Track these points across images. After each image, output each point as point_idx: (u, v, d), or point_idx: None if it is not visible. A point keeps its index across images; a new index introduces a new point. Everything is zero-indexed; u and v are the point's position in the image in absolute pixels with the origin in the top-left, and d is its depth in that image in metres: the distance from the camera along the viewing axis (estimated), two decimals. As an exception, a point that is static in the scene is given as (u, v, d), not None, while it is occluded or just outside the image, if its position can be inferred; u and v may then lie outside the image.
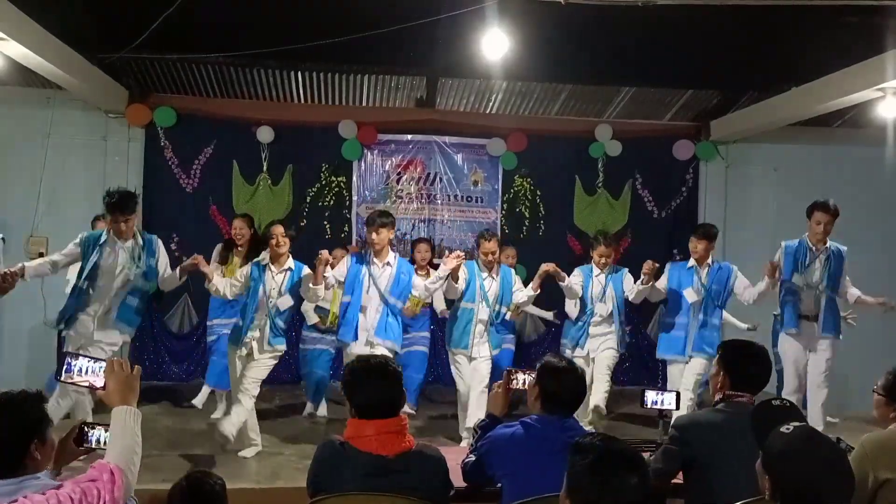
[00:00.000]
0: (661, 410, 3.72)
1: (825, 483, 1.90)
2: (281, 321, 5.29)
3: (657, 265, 5.83)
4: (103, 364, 2.32)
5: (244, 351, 5.22)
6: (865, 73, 6.05)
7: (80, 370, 2.33)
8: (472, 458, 2.98)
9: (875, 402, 2.94)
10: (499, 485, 2.86)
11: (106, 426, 2.41)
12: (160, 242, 5.30)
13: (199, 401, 6.55)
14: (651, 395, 3.72)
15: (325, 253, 5.25)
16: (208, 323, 6.62)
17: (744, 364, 2.99)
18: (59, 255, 5.13)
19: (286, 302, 5.25)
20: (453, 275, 5.51)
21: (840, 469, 1.94)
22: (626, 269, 6.07)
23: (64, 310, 5.13)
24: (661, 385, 7.80)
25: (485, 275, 5.78)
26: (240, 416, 5.13)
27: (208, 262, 6.06)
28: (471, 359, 5.75)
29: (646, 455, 3.13)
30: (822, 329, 5.62)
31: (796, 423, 2.04)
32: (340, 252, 6.87)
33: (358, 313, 5.43)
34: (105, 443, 2.36)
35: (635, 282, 5.92)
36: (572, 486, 1.89)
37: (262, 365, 5.25)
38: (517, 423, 2.91)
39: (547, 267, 5.70)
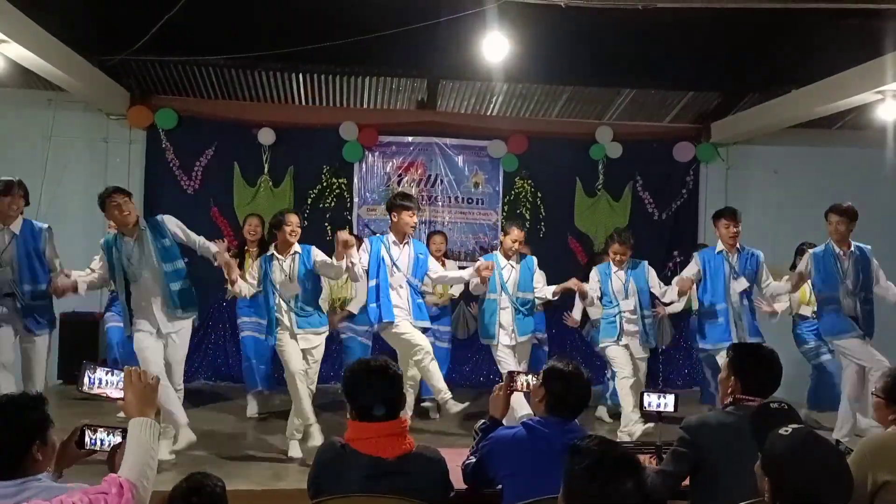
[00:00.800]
0: (659, 413, 3.73)
1: (824, 485, 1.91)
2: (304, 304, 5.27)
3: (692, 283, 5.83)
4: (121, 375, 2.31)
5: (286, 332, 5.25)
6: (865, 76, 6.06)
7: (99, 382, 2.32)
8: (473, 459, 2.98)
9: (874, 404, 2.94)
10: (499, 486, 2.86)
11: (108, 428, 2.41)
12: (167, 219, 5.19)
13: (251, 411, 6.55)
14: (650, 398, 3.72)
15: (343, 234, 5.23)
16: (238, 321, 6.67)
17: (754, 368, 2.97)
18: (98, 270, 5.19)
19: (294, 288, 5.24)
20: (481, 281, 5.67)
21: (839, 471, 1.95)
22: (646, 262, 6.03)
23: (122, 315, 5.28)
24: (661, 387, 7.82)
25: (503, 263, 5.85)
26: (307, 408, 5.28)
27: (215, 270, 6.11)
28: (507, 347, 5.79)
29: (644, 458, 3.15)
30: (864, 331, 5.53)
31: (795, 426, 2.05)
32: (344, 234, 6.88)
33: (389, 293, 5.49)
34: (108, 445, 2.37)
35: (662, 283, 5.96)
36: (569, 490, 1.90)
37: (315, 358, 5.35)
38: (519, 425, 2.91)
39: (574, 286, 5.80)
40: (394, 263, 5.53)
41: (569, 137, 8.45)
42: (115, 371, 2.35)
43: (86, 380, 2.32)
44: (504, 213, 8.41)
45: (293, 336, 5.24)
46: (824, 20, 6.03)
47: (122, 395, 2.29)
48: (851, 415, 5.54)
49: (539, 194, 8.45)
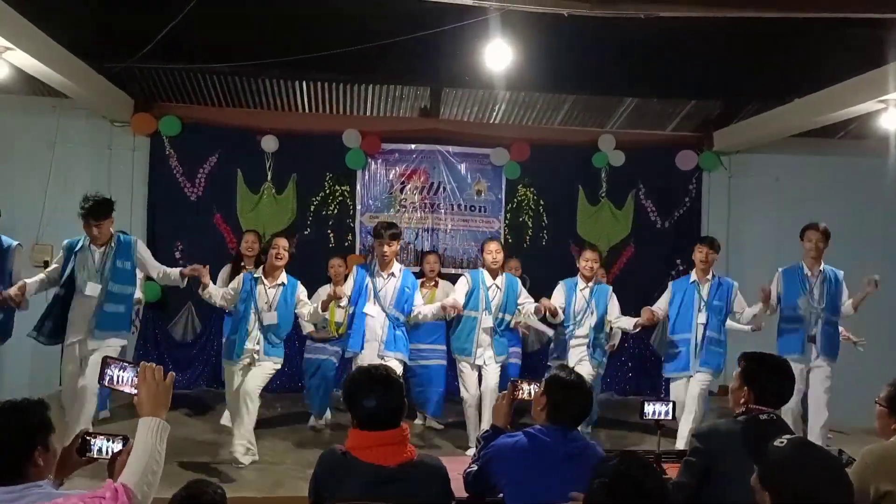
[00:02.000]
0: (657, 421, 3.77)
1: (824, 489, 1.91)
2: (274, 335, 5.34)
3: (657, 317, 5.85)
4: (135, 371, 2.28)
5: (244, 362, 5.27)
6: (867, 85, 6.06)
7: (113, 378, 2.31)
8: (475, 467, 2.98)
9: (877, 413, 2.93)
10: (500, 495, 2.86)
11: (108, 436, 2.40)
12: (139, 244, 5.32)
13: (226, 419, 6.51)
14: (650, 407, 3.78)
15: (341, 290, 5.47)
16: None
17: (768, 377, 2.93)
18: (52, 268, 5.23)
19: (271, 318, 5.30)
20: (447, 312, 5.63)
21: (838, 477, 1.96)
22: (611, 289, 6.05)
23: (40, 318, 5.16)
24: (663, 395, 7.81)
25: (489, 283, 5.85)
26: (249, 426, 5.27)
27: (215, 279, 6.15)
28: (475, 367, 5.81)
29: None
30: (820, 351, 5.67)
31: (788, 436, 2.06)
32: (338, 261, 6.86)
33: (364, 323, 5.49)
34: (108, 453, 2.35)
35: (623, 313, 6.00)
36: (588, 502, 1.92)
37: (263, 371, 5.32)
38: (520, 433, 2.91)
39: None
40: (375, 294, 5.54)
41: (571, 145, 8.45)
42: (129, 367, 2.32)
43: (105, 375, 2.31)
44: (506, 221, 8.42)
45: (250, 364, 5.28)
46: (827, 29, 6.04)
47: (134, 392, 2.26)
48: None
49: (541, 202, 8.46)
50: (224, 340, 5.56)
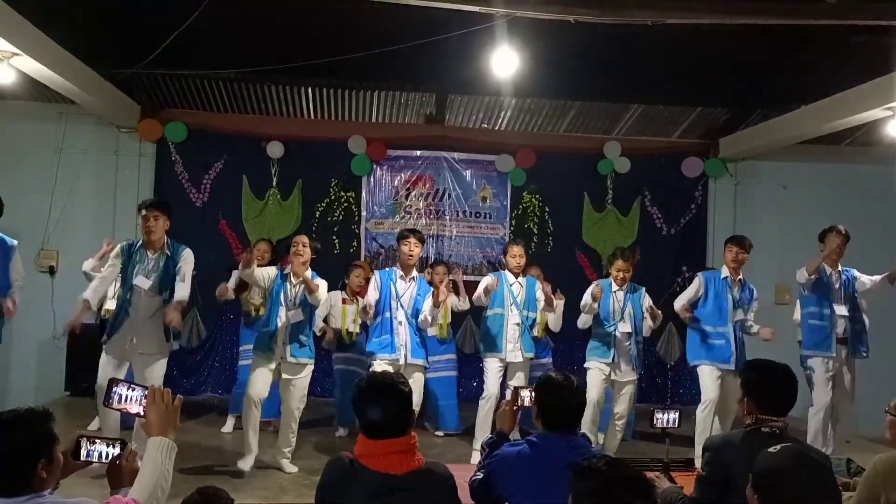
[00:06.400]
0: (663, 429, 3.76)
1: (812, 497, 1.91)
2: (301, 334, 5.30)
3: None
4: (143, 391, 2.29)
5: (275, 360, 5.24)
6: (874, 93, 6.05)
7: (121, 398, 2.31)
8: (480, 475, 2.96)
9: (888, 422, 2.91)
10: (506, 503, 2.84)
11: (107, 440, 2.37)
12: (187, 256, 5.16)
13: (228, 428, 6.48)
14: (660, 415, 3.77)
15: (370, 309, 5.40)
16: (241, 348, 6.55)
17: (769, 388, 2.87)
18: (106, 271, 5.12)
19: (297, 316, 5.26)
20: (438, 303, 5.51)
21: (826, 482, 1.98)
22: (644, 289, 6.00)
23: (110, 320, 5.15)
24: (668, 403, 7.79)
25: (512, 280, 5.90)
26: (292, 438, 5.38)
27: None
28: (503, 363, 5.80)
29: (653, 475, 3.12)
30: (852, 352, 5.79)
31: (783, 444, 2.07)
32: (358, 271, 6.81)
33: (393, 329, 5.47)
34: (107, 457, 2.33)
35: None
36: None
37: (300, 386, 5.33)
38: (524, 442, 2.90)
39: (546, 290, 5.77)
40: (398, 298, 5.52)
41: (577, 152, 8.45)
42: (137, 386, 2.33)
43: (111, 395, 2.31)
44: (512, 228, 8.41)
45: (277, 366, 5.24)
46: (833, 37, 6.04)
47: (141, 412, 2.27)
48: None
49: (547, 209, 8.45)
50: (257, 334, 5.47)
